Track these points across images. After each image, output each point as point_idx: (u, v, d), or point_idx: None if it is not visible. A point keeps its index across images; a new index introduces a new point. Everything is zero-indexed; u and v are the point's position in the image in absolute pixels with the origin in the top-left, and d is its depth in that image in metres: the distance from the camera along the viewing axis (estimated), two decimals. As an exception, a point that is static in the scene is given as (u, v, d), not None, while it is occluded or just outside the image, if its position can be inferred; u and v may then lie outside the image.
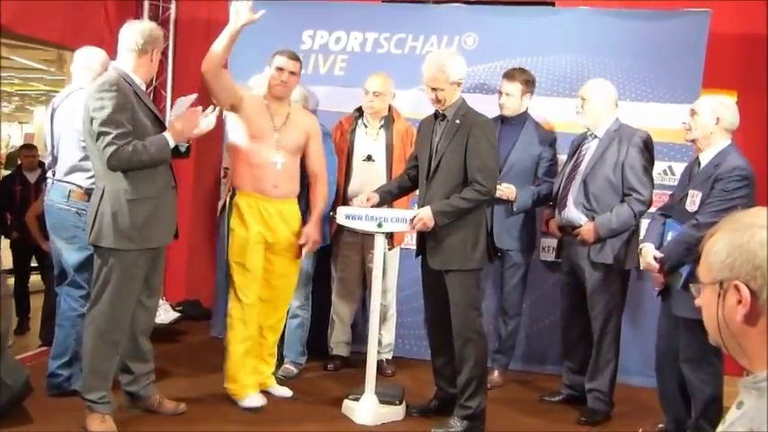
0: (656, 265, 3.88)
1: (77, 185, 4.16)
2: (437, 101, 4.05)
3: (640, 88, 5.13)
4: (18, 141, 20.47)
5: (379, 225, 4.18)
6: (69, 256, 4.21)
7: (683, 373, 3.85)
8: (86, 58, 4.34)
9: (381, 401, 4.28)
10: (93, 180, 4.00)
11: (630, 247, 4.28)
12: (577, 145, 4.53)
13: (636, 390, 4.91)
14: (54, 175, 4.28)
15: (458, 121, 4.02)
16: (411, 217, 4.13)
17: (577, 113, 4.49)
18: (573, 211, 4.37)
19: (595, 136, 4.39)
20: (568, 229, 4.42)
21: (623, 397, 4.61)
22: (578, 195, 4.34)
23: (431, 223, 4.06)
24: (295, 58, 4.40)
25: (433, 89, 4.02)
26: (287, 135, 4.35)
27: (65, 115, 4.23)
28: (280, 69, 4.33)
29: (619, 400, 4.52)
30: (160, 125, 3.85)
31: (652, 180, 4.32)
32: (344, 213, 4.29)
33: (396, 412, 4.30)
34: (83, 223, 4.06)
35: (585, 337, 4.49)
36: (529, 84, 4.82)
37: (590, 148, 4.40)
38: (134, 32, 3.79)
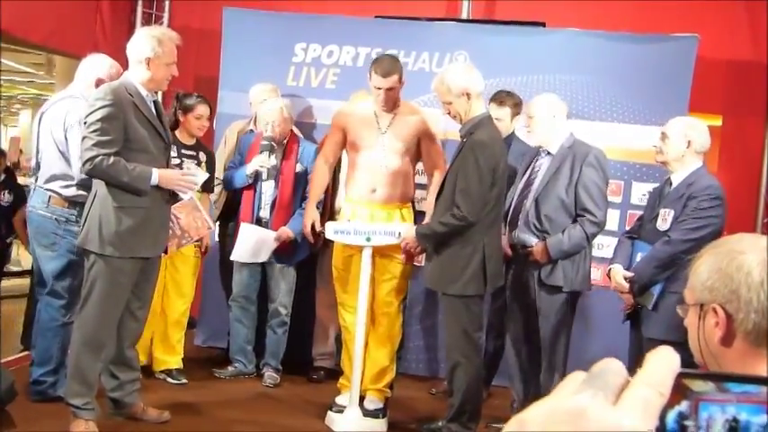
0: (626, 285, 3.77)
1: (56, 192, 4.14)
2: (450, 115, 4.03)
3: (627, 110, 5.18)
4: (2, 145, 20.42)
5: (368, 239, 4.21)
6: (48, 263, 4.18)
7: None
8: (89, 67, 4.26)
9: (365, 414, 4.29)
10: (72, 189, 4.07)
11: (582, 270, 4.15)
12: (530, 160, 4.35)
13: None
14: (36, 181, 4.26)
15: (465, 139, 3.97)
16: (398, 231, 4.18)
17: (527, 133, 4.38)
18: (524, 231, 4.18)
19: (548, 152, 4.22)
20: (519, 249, 4.21)
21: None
22: (530, 215, 4.16)
23: (414, 244, 4.11)
24: (389, 73, 4.29)
25: (443, 103, 4.01)
26: (393, 136, 4.38)
27: (49, 122, 4.19)
28: (377, 88, 4.33)
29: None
30: (161, 138, 3.87)
31: (606, 200, 4.21)
32: (333, 228, 4.32)
33: (379, 425, 4.32)
34: (62, 230, 4.08)
35: (534, 360, 4.31)
36: (517, 106, 4.82)
37: (543, 165, 4.22)
38: (140, 42, 3.78)
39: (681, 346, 3.24)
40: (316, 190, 4.61)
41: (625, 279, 3.79)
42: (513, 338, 4.43)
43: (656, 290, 3.67)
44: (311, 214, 4.54)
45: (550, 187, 4.13)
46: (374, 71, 4.31)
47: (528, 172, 4.31)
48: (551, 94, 4.47)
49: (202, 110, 4.90)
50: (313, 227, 4.51)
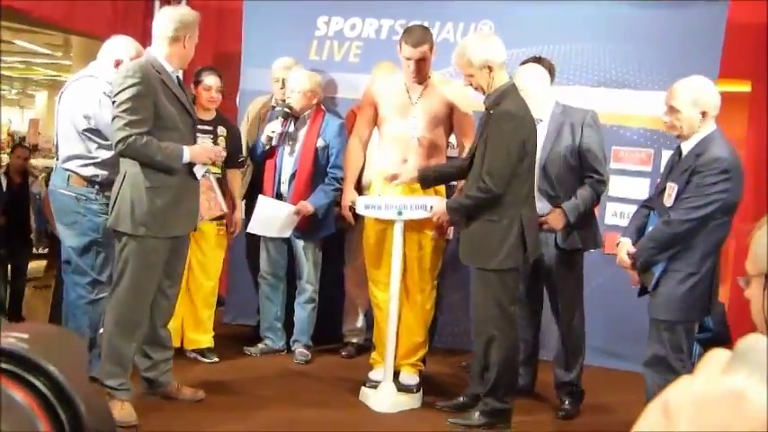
0: (629, 261, 3.57)
1: (74, 172, 4.13)
2: (473, 87, 3.95)
3: (655, 77, 5.07)
4: (19, 126, 20.46)
5: (399, 213, 4.17)
6: (70, 241, 4.19)
7: (643, 374, 3.56)
8: (110, 47, 4.23)
9: (400, 389, 4.28)
10: (90, 168, 4.06)
11: (593, 228, 4.31)
12: None
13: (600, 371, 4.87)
14: (57, 161, 4.27)
15: (491, 111, 3.87)
16: (430, 205, 4.13)
17: None
18: (537, 199, 4.14)
19: (540, 120, 4.16)
20: None
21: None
22: (541, 183, 4.17)
23: (445, 217, 4.07)
24: (419, 43, 4.22)
25: (465, 75, 3.92)
26: (424, 107, 4.33)
27: (66, 102, 4.18)
28: (407, 59, 4.26)
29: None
30: (189, 115, 3.85)
31: (606, 158, 4.35)
32: (363, 203, 4.29)
33: (414, 400, 4.30)
34: (82, 208, 4.07)
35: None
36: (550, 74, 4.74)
37: (538, 135, 4.13)
38: (166, 19, 3.76)
39: (680, 325, 3.17)
40: (352, 170, 4.54)
41: (628, 255, 3.60)
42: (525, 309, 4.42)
43: (658, 269, 3.48)
44: (350, 195, 4.47)
45: (554, 152, 4.20)
46: (404, 41, 4.25)
47: None
48: (535, 64, 4.42)
49: (211, 81, 4.81)
50: (352, 208, 4.43)
